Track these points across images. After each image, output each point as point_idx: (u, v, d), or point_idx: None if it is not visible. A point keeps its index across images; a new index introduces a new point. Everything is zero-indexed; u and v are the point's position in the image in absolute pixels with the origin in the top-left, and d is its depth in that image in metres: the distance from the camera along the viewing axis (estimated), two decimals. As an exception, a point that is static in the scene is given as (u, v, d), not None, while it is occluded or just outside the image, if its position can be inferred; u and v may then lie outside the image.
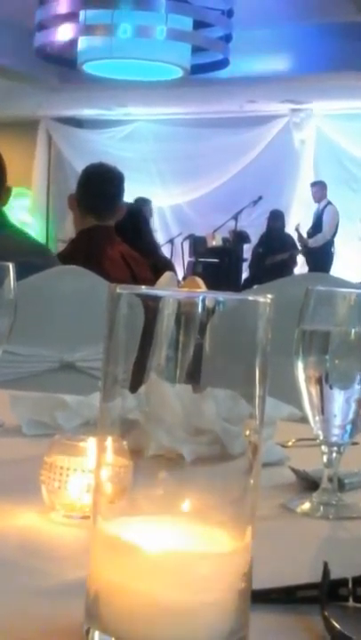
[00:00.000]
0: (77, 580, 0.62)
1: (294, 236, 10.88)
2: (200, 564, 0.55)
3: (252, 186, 11.22)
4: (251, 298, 0.58)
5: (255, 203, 11.09)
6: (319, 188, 10.94)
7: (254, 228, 10.99)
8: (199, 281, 2.71)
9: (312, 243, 10.70)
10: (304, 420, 1.01)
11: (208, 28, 8.06)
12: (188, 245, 11.11)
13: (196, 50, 8.18)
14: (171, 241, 11.19)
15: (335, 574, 0.68)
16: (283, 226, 10.99)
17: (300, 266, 10.82)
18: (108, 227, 3.27)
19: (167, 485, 0.57)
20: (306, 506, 0.96)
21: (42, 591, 0.69)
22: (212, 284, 2.34)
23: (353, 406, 0.95)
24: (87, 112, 12.94)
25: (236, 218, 10.77)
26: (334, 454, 0.96)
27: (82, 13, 7.83)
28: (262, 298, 0.58)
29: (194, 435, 0.60)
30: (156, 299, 0.57)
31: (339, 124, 11.82)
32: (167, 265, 4.19)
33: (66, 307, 2.11)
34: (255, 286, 5.02)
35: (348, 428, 0.96)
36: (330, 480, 0.97)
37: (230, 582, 0.56)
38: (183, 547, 0.56)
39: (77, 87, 10.54)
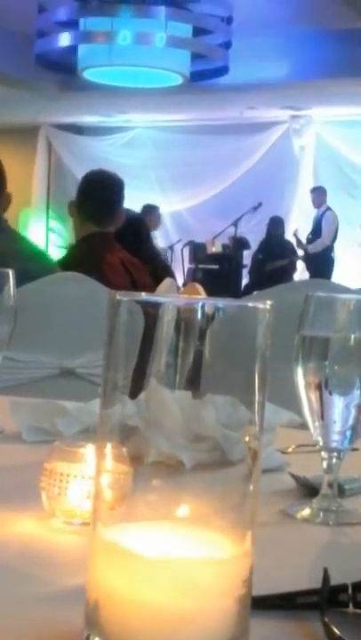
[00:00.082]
0: (77, 587, 0.62)
1: (293, 241, 10.88)
2: (200, 571, 0.55)
3: (251, 192, 11.23)
4: (250, 304, 0.58)
5: (255, 209, 11.10)
6: (319, 194, 10.95)
7: (254, 234, 11.00)
8: (199, 287, 2.71)
9: (311, 248, 10.70)
10: (304, 426, 1.01)
11: (208, 35, 8.09)
12: (187, 252, 11.12)
13: (196, 57, 8.21)
14: (170, 247, 11.20)
15: (335, 580, 0.68)
16: (283, 232, 10.99)
17: (301, 272, 10.83)
18: (107, 233, 3.27)
19: (167, 492, 0.57)
20: (306, 512, 0.96)
21: (42, 598, 0.69)
22: (212, 291, 2.34)
23: (353, 412, 0.95)
24: (87, 119, 12.96)
25: (235, 224, 10.77)
26: (334, 460, 0.96)
27: (82, 21, 7.85)
28: (262, 304, 0.58)
29: (193, 441, 0.60)
30: (156, 305, 0.57)
31: (338, 131, 11.83)
32: (167, 271, 4.19)
33: (66, 313, 2.11)
34: (255, 292, 5.03)
35: (348, 433, 0.96)
36: (330, 486, 0.97)
37: (230, 588, 0.56)
38: (183, 553, 0.56)
39: (77, 94, 10.56)
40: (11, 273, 1.29)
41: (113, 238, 3.29)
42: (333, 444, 0.96)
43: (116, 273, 3.11)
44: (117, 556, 0.56)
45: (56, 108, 11.93)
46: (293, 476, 1.06)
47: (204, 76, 8.50)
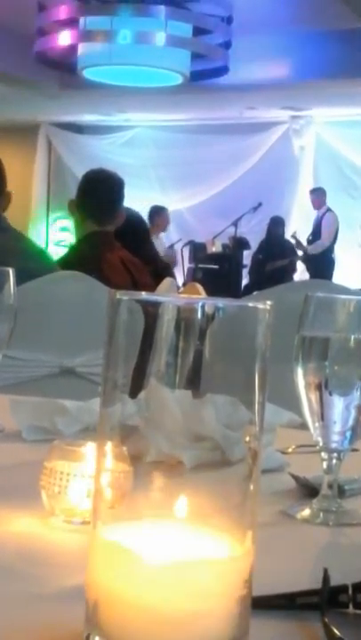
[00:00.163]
0: (77, 586, 0.62)
1: (291, 243, 10.88)
2: (200, 571, 0.55)
3: (251, 192, 11.22)
4: (250, 304, 0.58)
5: (255, 209, 11.09)
6: (318, 195, 10.95)
7: (254, 234, 10.99)
8: (199, 287, 2.72)
9: (311, 250, 10.70)
10: (304, 426, 1.01)
11: (208, 35, 8.09)
12: (187, 251, 11.12)
13: (196, 56, 8.21)
14: (170, 247, 11.20)
15: (335, 581, 0.68)
16: (283, 232, 10.99)
17: (301, 273, 10.82)
18: (107, 232, 3.27)
19: (167, 491, 0.57)
20: (306, 512, 0.96)
21: (42, 596, 0.69)
22: (212, 291, 2.35)
23: (353, 413, 0.95)
24: (87, 118, 12.96)
25: (235, 224, 10.77)
26: (334, 461, 0.96)
27: (82, 19, 7.85)
28: (262, 304, 0.58)
29: (194, 441, 0.60)
30: (156, 305, 0.57)
31: (338, 131, 11.83)
32: (167, 271, 4.19)
33: (66, 312, 2.11)
34: (255, 292, 5.03)
35: (348, 434, 0.96)
36: (330, 486, 0.97)
37: (231, 589, 0.56)
38: (183, 553, 0.56)
39: (77, 93, 10.55)
40: (11, 272, 1.29)
41: (113, 237, 3.29)
42: (333, 445, 0.96)
43: (117, 272, 3.11)
44: (117, 555, 0.56)
45: (56, 107, 11.93)
46: (293, 477, 1.06)
47: (204, 75, 8.50)
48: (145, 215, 6.78)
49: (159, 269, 3.86)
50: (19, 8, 8.27)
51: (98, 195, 3.31)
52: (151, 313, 0.57)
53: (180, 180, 12.28)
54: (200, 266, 10.62)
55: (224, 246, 11.05)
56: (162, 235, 10.09)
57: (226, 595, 0.56)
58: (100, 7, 7.82)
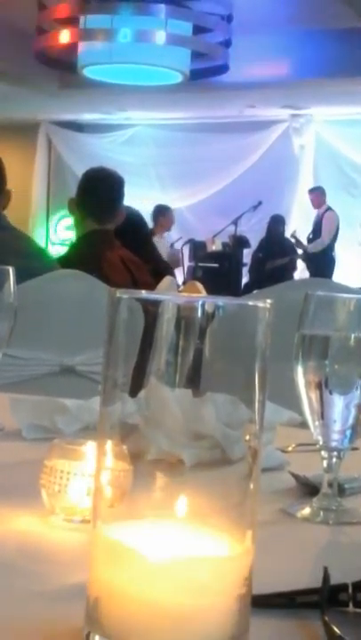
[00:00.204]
0: (78, 584, 0.62)
1: (291, 242, 10.88)
2: (200, 569, 0.55)
3: (251, 191, 11.22)
4: (250, 303, 0.58)
5: (255, 208, 11.09)
6: (317, 195, 10.93)
7: (254, 232, 10.99)
8: (199, 286, 2.71)
9: (311, 248, 10.70)
10: (304, 425, 1.01)
11: (208, 34, 8.09)
12: (187, 250, 11.11)
13: (196, 55, 8.21)
14: (171, 246, 11.19)
15: (335, 579, 0.68)
16: (283, 230, 10.99)
17: (301, 271, 10.82)
18: (107, 231, 3.27)
19: (167, 490, 0.57)
20: (306, 511, 0.96)
21: (42, 595, 0.69)
22: (212, 289, 2.34)
23: (353, 411, 0.95)
24: (87, 116, 12.96)
25: (235, 223, 10.76)
26: (334, 459, 0.96)
27: (82, 18, 7.86)
28: (262, 303, 0.58)
29: (194, 439, 0.60)
30: (156, 303, 0.57)
31: (338, 130, 11.82)
32: (167, 269, 4.19)
33: (66, 310, 2.11)
34: (255, 291, 5.03)
35: (348, 433, 0.96)
36: (330, 485, 0.97)
37: (231, 587, 0.56)
38: (183, 551, 0.56)
39: (77, 91, 10.55)
40: (11, 270, 1.29)
41: (113, 236, 3.29)
42: (333, 444, 0.96)
43: (117, 270, 3.11)
44: (118, 554, 0.56)
45: (56, 106, 11.92)
46: (293, 475, 1.06)
47: (204, 74, 8.50)
48: (148, 214, 6.79)
49: (160, 268, 3.85)
50: (19, 6, 8.26)
51: (98, 193, 3.31)
52: (151, 311, 0.57)
53: (180, 178, 12.28)
54: (200, 264, 10.62)
55: (224, 245, 11.05)
56: (166, 234, 10.09)
57: (226, 593, 0.56)
58: (100, 6, 7.82)
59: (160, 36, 7.77)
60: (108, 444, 0.58)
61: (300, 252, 10.82)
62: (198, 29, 7.96)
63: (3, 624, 0.63)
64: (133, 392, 0.57)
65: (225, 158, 11.95)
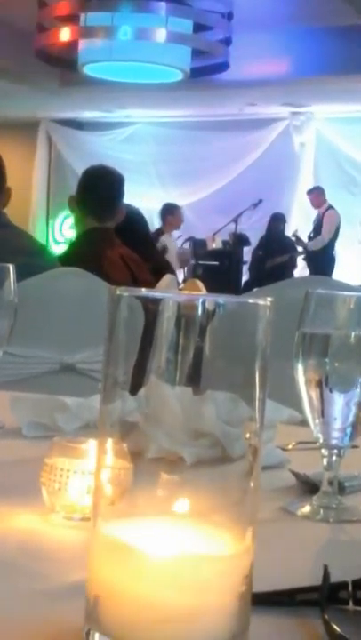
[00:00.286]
0: (78, 582, 0.62)
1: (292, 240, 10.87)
2: (200, 567, 0.55)
3: (252, 189, 11.21)
4: (251, 300, 0.58)
5: (255, 205, 11.08)
6: (316, 195, 10.92)
7: (254, 230, 10.99)
8: (199, 283, 2.71)
9: (310, 246, 10.69)
10: (304, 422, 1.01)
11: (208, 31, 8.08)
12: (188, 248, 11.11)
13: (196, 52, 8.20)
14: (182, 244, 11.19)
15: (335, 577, 0.68)
16: (283, 228, 10.99)
17: (301, 269, 10.82)
18: (107, 229, 3.27)
19: (167, 487, 0.57)
20: (306, 509, 0.96)
21: (42, 593, 0.69)
22: (212, 287, 2.34)
23: (353, 409, 0.95)
24: (87, 114, 12.95)
25: (236, 220, 10.76)
26: (334, 457, 0.96)
27: (82, 16, 7.85)
28: (262, 300, 0.58)
29: (194, 437, 0.60)
30: (157, 301, 0.57)
31: (339, 128, 11.82)
32: (167, 267, 4.19)
33: (66, 308, 2.11)
34: (255, 289, 5.02)
35: (348, 431, 0.96)
36: (330, 483, 0.97)
37: (231, 585, 0.56)
38: (183, 549, 0.56)
39: (78, 89, 10.55)
40: (11, 268, 1.29)
41: (113, 234, 3.29)
42: (334, 442, 0.96)
43: (117, 268, 3.11)
44: (118, 552, 0.56)
45: (56, 103, 11.92)
46: (294, 473, 1.06)
47: (205, 71, 8.49)
48: (148, 212, 6.78)
49: (160, 266, 3.85)
50: (19, 4, 8.25)
51: (98, 191, 3.31)
52: (151, 309, 0.57)
53: (180, 176, 12.27)
54: (200, 262, 10.62)
55: (224, 243, 11.04)
56: (175, 233, 10.09)
57: (226, 591, 0.56)
58: (100, 3, 7.80)
59: (160, 34, 7.76)
60: (109, 442, 0.58)
61: (300, 249, 10.81)
62: (199, 27, 7.95)
63: (3, 622, 0.63)
64: (134, 390, 0.57)
65: (225, 156, 11.95)
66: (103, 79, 8.76)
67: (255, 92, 10.41)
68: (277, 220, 10.87)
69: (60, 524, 0.86)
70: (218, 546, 0.56)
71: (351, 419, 0.96)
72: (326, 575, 0.67)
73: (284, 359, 0.94)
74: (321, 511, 0.95)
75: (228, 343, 0.58)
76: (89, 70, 8.46)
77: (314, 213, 11.01)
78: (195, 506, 0.56)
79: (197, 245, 11.02)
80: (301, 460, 1.13)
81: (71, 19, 7.91)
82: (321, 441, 0.97)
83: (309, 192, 11.10)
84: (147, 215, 4.55)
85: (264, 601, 0.66)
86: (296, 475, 1.06)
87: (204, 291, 2.52)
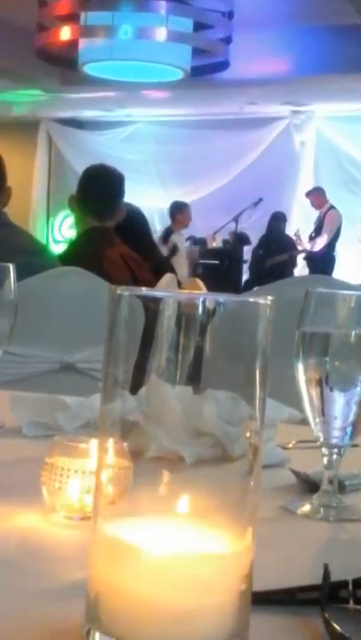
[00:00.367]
0: (78, 581, 0.62)
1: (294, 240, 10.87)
2: (200, 566, 0.55)
3: (252, 188, 11.21)
4: (251, 299, 0.58)
5: (256, 204, 11.08)
6: (316, 196, 10.89)
7: (255, 229, 10.98)
8: (200, 282, 2.71)
9: (311, 246, 10.69)
10: (304, 421, 1.01)
11: (208, 30, 8.07)
12: (195, 247, 11.10)
13: (197, 51, 8.19)
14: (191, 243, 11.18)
15: (336, 576, 0.68)
16: (284, 227, 10.98)
17: (301, 268, 10.81)
18: (108, 228, 3.27)
19: (168, 487, 0.57)
20: (306, 508, 0.96)
21: (42, 592, 0.69)
22: (213, 286, 2.34)
23: (353, 408, 0.95)
24: (88, 113, 12.94)
25: (236, 220, 10.76)
26: (335, 456, 0.96)
27: (82, 15, 7.84)
28: (263, 299, 0.58)
29: (194, 436, 0.60)
30: (157, 300, 0.57)
31: (339, 126, 11.81)
32: (167, 266, 4.19)
33: (66, 308, 2.11)
34: (255, 288, 5.02)
35: (349, 430, 0.96)
36: (330, 482, 0.97)
37: (231, 584, 0.56)
38: (184, 548, 0.56)
39: (78, 88, 10.54)
40: (11, 267, 1.29)
41: (113, 233, 3.29)
42: (334, 440, 0.96)
43: (117, 268, 3.11)
44: (118, 551, 0.56)
45: (57, 103, 11.91)
46: (294, 472, 1.06)
47: (205, 70, 8.48)
48: (149, 211, 6.78)
49: (160, 265, 3.85)
50: (19, 3, 8.25)
51: (98, 190, 3.31)
52: (152, 309, 0.57)
53: (180, 175, 12.27)
54: (200, 261, 10.62)
55: (224, 242, 11.05)
56: (183, 232, 10.08)
57: (226, 590, 0.56)
58: (100, 2, 7.80)
59: (161, 33, 7.75)
60: (109, 442, 0.58)
61: (300, 248, 10.81)
62: (199, 26, 7.94)
63: (3, 620, 0.63)
64: (134, 389, 0.57)
65: (225, 155, 11.94)
66: (104, 78, 8.75)
67: (256, 90, 10.40)
68: (278, 219, 10.86)
69: (61, 524, 0.86)
70: (218, 545, 0.56)
71: (351, 417, 0.96)
72: (327, 574, 0.67)
73: (285, 358, 0.94)
74: (321, 510, 0.95)
75: (229, 342, 0.58)
76: (89, 69, 8.45)
77: (314, 212, 11.00)
78: (195, 505, 0.56)
79: (198, 244, 11.02)
80: (302, 458, 1.13)
81: (71, 18, 7.90)
82: (321, 440, 0.97)
83: (308, 193, 11.08)
84: (147, 214, 4.54)
85: (264, 600, 0.66)
86: (296, 473, 1.06)
87: (204, 290, 2.52)
